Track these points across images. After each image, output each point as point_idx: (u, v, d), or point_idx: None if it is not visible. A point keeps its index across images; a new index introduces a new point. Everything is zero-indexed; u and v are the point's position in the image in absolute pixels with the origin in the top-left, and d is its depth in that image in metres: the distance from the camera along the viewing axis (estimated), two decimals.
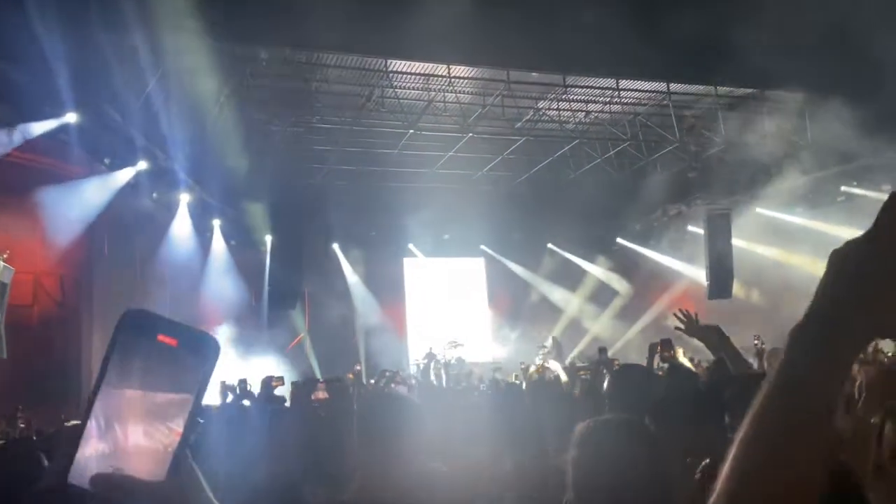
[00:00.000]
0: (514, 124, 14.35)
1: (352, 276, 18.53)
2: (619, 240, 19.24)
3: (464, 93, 13.44)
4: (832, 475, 0.75)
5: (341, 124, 13.71)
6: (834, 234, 14.10)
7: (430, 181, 17.23)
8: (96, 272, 13.37)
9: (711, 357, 4.18)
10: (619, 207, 17.10)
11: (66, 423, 6.92)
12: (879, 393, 2.61)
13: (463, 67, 12.74)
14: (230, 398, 7.00)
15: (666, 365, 5.91)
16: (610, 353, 13.41)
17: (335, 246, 18.39)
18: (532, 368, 11.49)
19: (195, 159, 12.53)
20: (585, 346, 18.04)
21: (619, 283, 19.42)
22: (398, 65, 12.57)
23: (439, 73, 12.78)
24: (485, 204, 16.85)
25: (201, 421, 0.78)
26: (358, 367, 14.15)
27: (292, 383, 8.82)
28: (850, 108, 11.01)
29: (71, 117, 10.87)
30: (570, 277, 19.87)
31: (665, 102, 14.19)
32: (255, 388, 8.33)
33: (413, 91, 13.35)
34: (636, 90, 14.07)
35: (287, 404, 5.69)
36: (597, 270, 19.75)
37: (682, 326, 3.66)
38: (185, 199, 14.26)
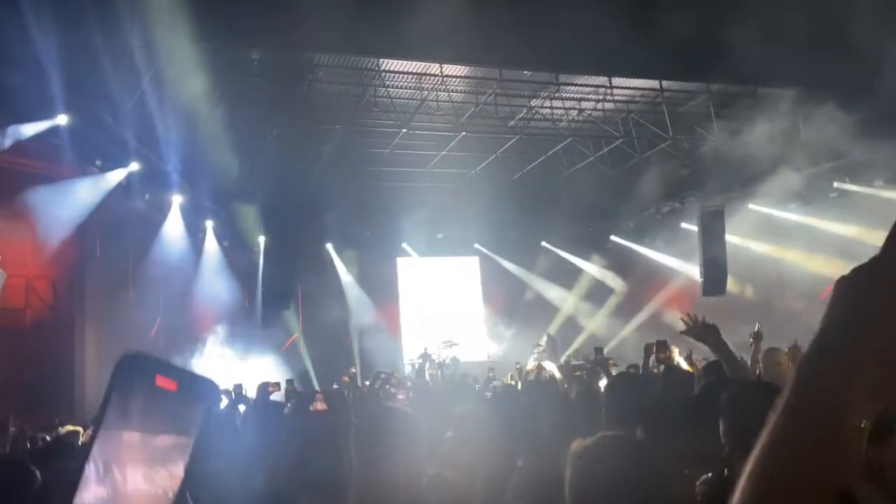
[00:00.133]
0: (507, 123, 14.34)
1: (346, 276, 18.50)
2: (612, 237, 19.25)
3: (456, 91, 13.43)
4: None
5: (334, 124, 13.67)
6: (827, 229, 14.17)
7: (424, 180, 17.22)
8: (88, 274, 13.31)
9: (709, 354, 4.18)
10: (613, 205, 17.11)
11: (60, 429, 6.89)
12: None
13: (455, 66, 12.73)
14: (225, 403, 6.97)
15: (662, 366, 5.91)
16: (606, 351, 13.41)
17: (329, 246, 18.35)
18: (529, 367, 11.50)
19: (187, 160, 12.49)
20: (581, 345, 18.05)
21: (613, 281, 19.44)
22: (390, 64, 12.55)
23: (432, 72, 12.76)
24: (478, 203, 16.85)
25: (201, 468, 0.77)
26: (353, 370, 14.14)
27: (287, 386, 8.81)
28: (842, 105, 11.04)
29: (62, 119, 10.83)
30: (565, 275, 19.89)
31: (658, 100, 14.22)
32: (250, 389, 8.32)
33: (406, 90, 13.33)
34: (629, 88, 14.08)
35: (285, 410, 5.67)
36: (591, 268, 19.77)
37: (689, 324, 3.65)
38: (177, 200, 14.20)
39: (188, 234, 14.66)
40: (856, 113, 10.81)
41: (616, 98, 14.21)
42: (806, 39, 9.78)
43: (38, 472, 2.50)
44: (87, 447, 0.69)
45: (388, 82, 12.94)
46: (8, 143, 10.53)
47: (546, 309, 19.78)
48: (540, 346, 16.94)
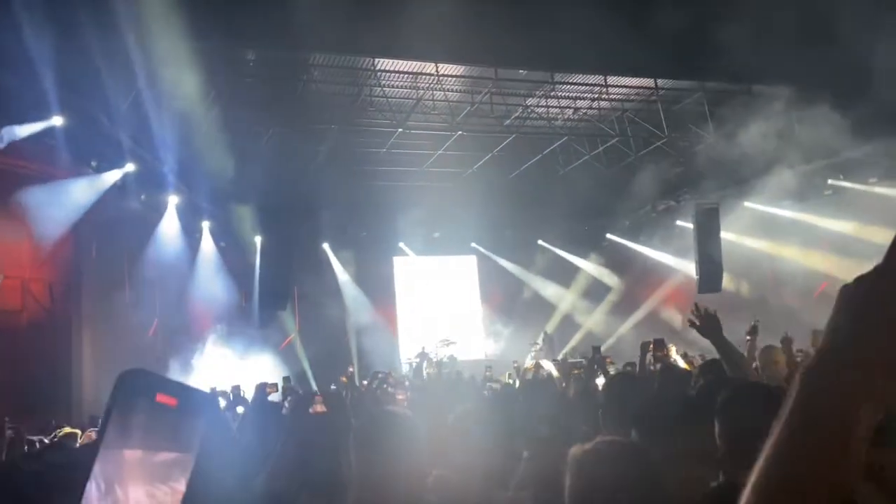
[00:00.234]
0: (503, 121, 14.35)
1: (342, 275, 18.50)
2: (608, 235, 19.29)
3: (452, 91, 13.43)
4: None
5: (330, 124, 13.66)
6: (822, 226, 14.22)
7: (420, 179, 17.22)
8: (85, 276, 13.27)
9: (706, 351, 4.19)
10: (609, 203, 17.13)
11: (58, 431, 6.87)
12: None
13: (451, 65, 12.73)
14: (223, 405, 6.97)
15: (659, 365, 5.92)
16: (603, 349, 13.44)
17: (325, 246, 18.34)
18: (527, 365, 11.52)
19: (183, 161, 12.47)
20: (578, 342, 18.10)
21: (609, 279, 19.48)
22: (386, 63, 12.54)
23: (427, 72, 12.76)
24: (475, 201, 16.84)
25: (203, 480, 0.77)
26: (351, 370, 14.13)
27: (284, 384, 8.78)
28: (836, 103, 11.07)
29: (57, 120, 10.79)
30: (561, 273, 19.92)
31: (653, 98, 14.25)
32: (248, 390, 8.31)
33: (401, 90, 13.32)
34: (624, 86, 14.10)
35: (283, 410, 5.67)
36: (588, 266, 19.81)
37: (696, 323, 3.65)
38: (173, 201, 14.18)
39: (184, 235, 14.64)
40: (850, 111, 10.84)
41: (611, 97, 14.24)
42: (800, 38, 9.81)
43: (35, 477, 2.50)
44: (88, 465, 0.69)
45: (383, 82, 12.93)
46: (3, 144, 10.49)
47: (543, 307, 19.81)
48: (537, 344, 17.00)
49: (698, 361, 7.88)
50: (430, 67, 12.63)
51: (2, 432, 5.52)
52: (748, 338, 5.97)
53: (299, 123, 13.54)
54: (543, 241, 20.06)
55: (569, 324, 19.33)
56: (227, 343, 14.60)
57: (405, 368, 17.07)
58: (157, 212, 14.14)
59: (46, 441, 6.40)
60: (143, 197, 13.70)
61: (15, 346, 11.57)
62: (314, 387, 14.28)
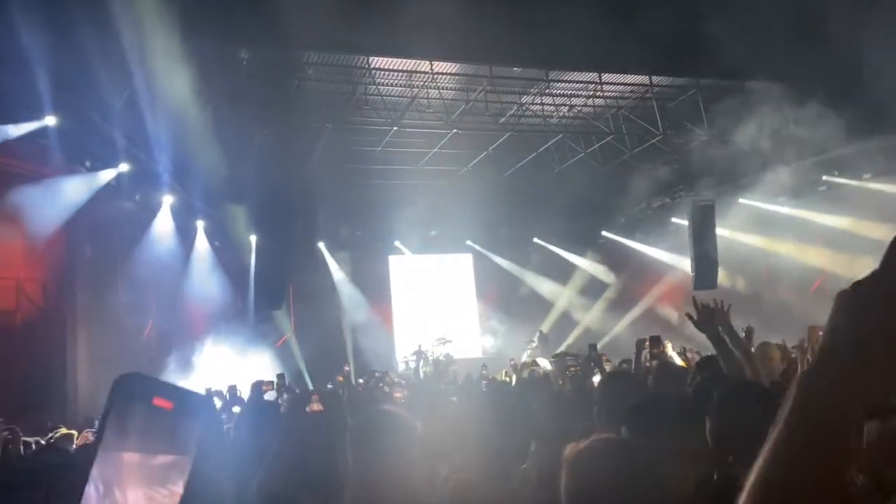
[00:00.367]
0: (498, 119, 14.35)
1: (338, 274, 18.50)
2: (604, 233, 19.33)
3: (447, 89, 13.41)
4: None
5: (324, 122, 13.64)
6: (817, 222, 14.28)
7: (415, 178, 17.23)
8: (79, 276, 13.22)
9: (703, 349, 4.20)
10: (604, 201, 17.18)
11: (54, 433, 6.85)
12: None
13: (446, 63, 12.72)
14: (219, 405, 6.96)
15: (655, 362, 5.92)
16: (600, 346, 13.48)
17: (321, 245, 18.33)
18: (524, 359, 11.54)
19: (177, 160, 12.43)
20: (575, 340, 18.14)
21: (606, 276, 19.53)
22: (380, 62, 12.52)
23: (422, 70, 12.75)
24: (470, 200, 16.85)
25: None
26: (347, 368, 14.12)
27: (278, 381, 8.77)
28: (830, 100, 11.10)
29: (50, 120, 10.74)
30: (557, 271, 19.96)
31: (648, 95, 14.26)
32: (244, 390, 8.30)
33: (396, 88, 13.31)
34: (619, 84, 14.11)
35: (280, 408, 5.67)
36: (584, 263, 19.85)
37: (693, 317, 3.66)
38: (167, 200, 14.15)
39: (179, 235, 14.60)
40: (844, 107, 10.88)
41: (606, 94, 14.24)
42: (794, 34, 9.83)
43: (32, 478, 2.49)
44: (86, 468, 0.69)
45: (378, 80, 12.92)
46: None
47: (540, 305, 19.86)
48: (533, 342, 17.03)
49: (695, 358, 7.90)
50: (424, 65, 12.62)
51: None
52: (743, 336, 5.97)
53: (294, 122, 13.51)
54: (539, 238, 20.10)
55: (565, 321, 19.37)
56: (222, 343, 14.58)
57: (401, 367, 17.09)
58: (152, 211, 14.10)
59: (43, 442, 6.38)
60: (137, 196, 13.67)
61: (9, 346, 11.54)
62: (310, 386, 14.29)
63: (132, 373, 0.73)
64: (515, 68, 13.12)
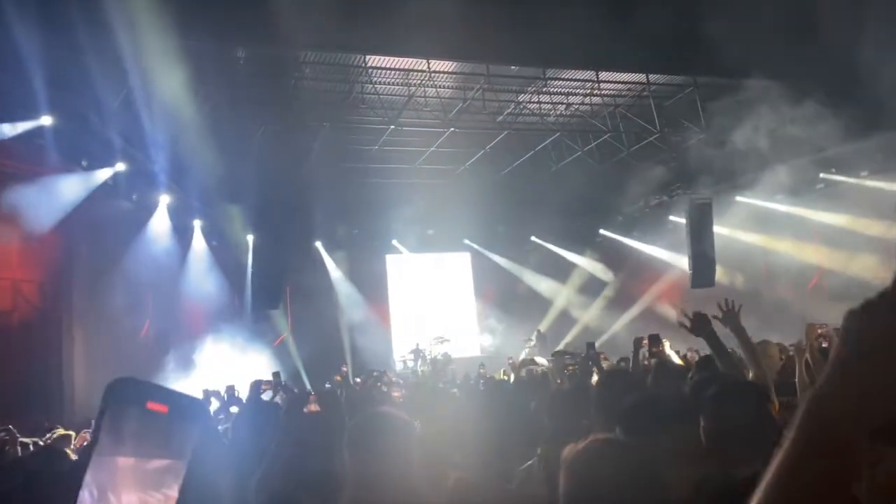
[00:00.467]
0: (496, 118, 14.34)
1: (335, 273, 18.49)
2: (602, 231, 19.34)
3: (444, 87, 13.40)
4: None
5: (321, 121, 13.62)
6: (815, 219, 14.30)
7: (412, 177, 17.21)
8: (76, 275, 13.20)
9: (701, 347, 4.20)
10: (601, 199, 17.19)
11: (52, 433, 6.83)
12: None
13: (443, 62, 12.70)
14: (216, 406, 6.95)
15: (654, 360, 5.91)
16: (599, 344, 13.49)
17: (318, 244, 18.32)
18: (522, 358, 11.52)
19: (174, 160, 12.41)
20: (573, 338, 18.16)
21: (604, 274, 19.55)
22: (377, 60, 12.49)
23: (419, 68, 12.72)
24: (468, 198, 16.85)
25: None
26: (345, 369, 14.13)
27: (274, 379, 8.74)
28: (827, 97, 11.10)
29: (46, 119, 10.72)
30: (555, 269, 19.97)
31: (645, 94, 14.26)
32: (242, 390, 8.27)
33: (393, 86, 13.29)
34: (616, 82, 14.10)
35: (277, 406, 5.65)
36: (581, 261, 19.86)
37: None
38: (164, 200, 14.13)
39: (176, 234, 14.59)
40: (841, 105, 10.88)
41: (603, 92, 14.24)
42: (792, 33, 9.83)
43: (26, 483, 2.47)
44: (81, 473, 0.68)
45: (375, 79, 12.90)
46: None
47: (538, 303, 19.87)
48: (531, 340, 17.03)
49: (694, 357, 7.90)
50: (421, 64, 12.60)
51: None
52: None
53: (291, 121, 13.50)
54: (537, 237, 20.11)
55: (564, 320, 19.39)
56: (219, 342, 14.56)
57: (399, 366, 17.09)
58: (149, 211, 14.08)
59: (41, 443, 6.36)
60: (133, 196, 13.65)
61: (6, 347, 11.52)
62: (308, 385, 14.28)
63: (126, 377, 0.72)
64: (512, 67, 13.10)
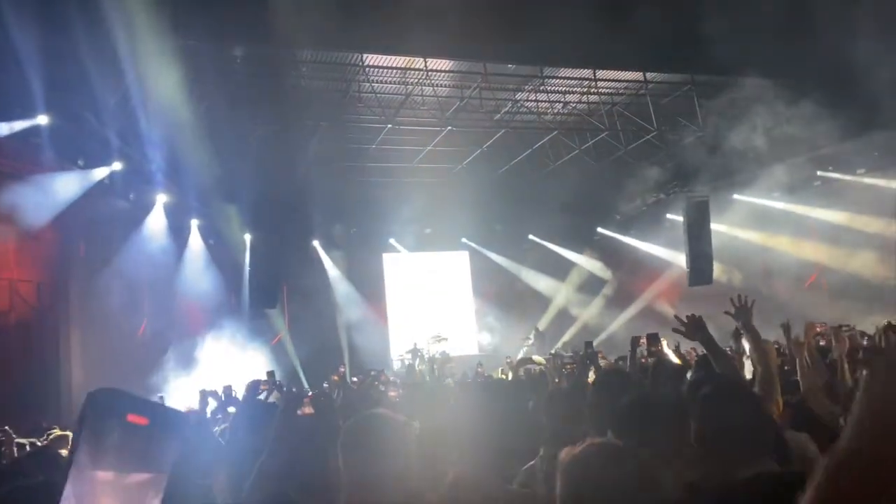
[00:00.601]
0: (493, 116, 14.32)
1: (333, 272, 18.47)
2: (599, 229, 19.33)
3: (441, 86, 13.38)
4: None
5: (318, 120, 13.59)
6: (812, 217, 14.31)
7: (410, 175, 17.19)
8: (73, 275, 13.16)
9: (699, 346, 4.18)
10: (599, 197, 17.18)
11: (49, 433, 6.80)
12: None
13: (440, 60, 12.68)
14: (213, 406, 6.92)
15: (652, 360, 5.90)
16: (598, 343, 13.49)
17: (315, 243, 18.29)
18: (520, 357, 11.51)
19: (171, 159, 12.37)
20: (572, 336, 18.16)
21: (602, 272, 19.55)
22: (374, 59, 12.47)
23: (416, 67, 12.71)
24: (465, 197, 16.83)
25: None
26: (342, 368, 14.11)
27: (268, 378, 8.71)
28: (825, 95, 11.10)
29: (43, 118, 10.67)
30: (554, 268, 19.96)
31: (642, 92, 14.24)
32: (238, 390, 8.25)
33: (390, 85, 13.27)
34: (613, 80, 14.10)
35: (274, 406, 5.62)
36: (579, 260, 19.86)
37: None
38: (161, 199, 14.08)
39: (173, 233, 14.53)
40: (838, 103, 10.88)
41: (600, 91, 14.23)
42: (788, 31, 9.82)
43: (26, 481, 2.45)
44: (60, 488, 0.67)
45: (372, 77, 12.88)
46: None
47: (536, 302, 19.87)
48: (529, 339, 17.03)
49: (693, 356, 7.88)
50: (418, 63, 12.58)
51: None
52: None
53: (288, 120, 13.46)
54: (534, 235, 20.09)
55: (562, 318, 19.38)
56: (216, 342, 14.54)
57: (397, 365, 17.08)
58: (146, 210, 14.04)
59: (39, 443, 6.33)
60: (130, 195, 13.59)
61: (3, 346, 11.49)
62: (305, 384, 14.27)
63: (105, 388, 0.70)
64: (510, 65, 13.08)
